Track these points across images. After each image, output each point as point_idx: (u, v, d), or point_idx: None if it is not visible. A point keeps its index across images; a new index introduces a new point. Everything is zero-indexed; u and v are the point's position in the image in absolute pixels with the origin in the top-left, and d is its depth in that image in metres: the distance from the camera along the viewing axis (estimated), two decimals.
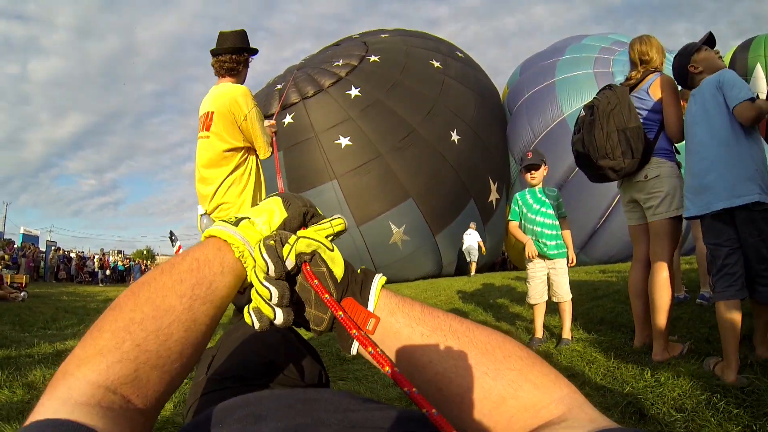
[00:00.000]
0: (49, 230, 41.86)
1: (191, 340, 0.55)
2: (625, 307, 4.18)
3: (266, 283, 0.57)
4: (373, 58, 12.16)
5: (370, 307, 0.60)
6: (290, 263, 0.58)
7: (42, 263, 21.41)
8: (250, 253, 0.60)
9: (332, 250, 0.62)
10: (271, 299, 0.57)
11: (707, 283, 3.94)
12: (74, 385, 0.47)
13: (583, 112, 3.19)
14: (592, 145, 2.99)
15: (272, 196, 0.69)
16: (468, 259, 11.95)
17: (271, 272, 0.57)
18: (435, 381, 0.56)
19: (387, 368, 0.55)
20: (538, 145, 11.34)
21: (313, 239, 0.60)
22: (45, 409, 0.44)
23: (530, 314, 3.86)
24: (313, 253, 0.60)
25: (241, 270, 0.60)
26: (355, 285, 0.61)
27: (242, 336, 1.02)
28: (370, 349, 0.57)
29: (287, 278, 0.60)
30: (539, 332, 3.60)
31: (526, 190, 3.80)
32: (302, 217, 0.67)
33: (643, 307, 3.03)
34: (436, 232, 11.14)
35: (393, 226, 10.71)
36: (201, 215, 3.24)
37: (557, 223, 3.63)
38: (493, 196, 12.18)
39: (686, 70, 2.72)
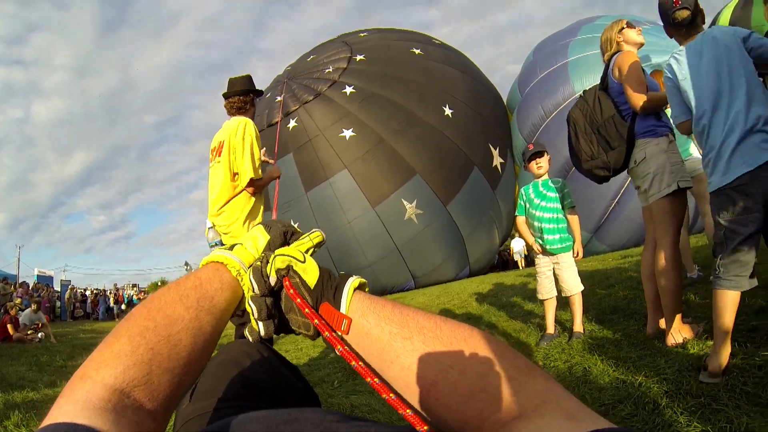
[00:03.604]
0: (63, 269, 42.07)
1: (198, 347, 0.60)
2: (637, 293, 4.08)
3: (250, 302, 0.67)
4: (359, 57, 12.88)
5: (342, 309, 0.64)
6: (273, 279, 0.67)
7: (57, 303, 21.50)
8: (245, 271, 0.69)
9: (303, 262, 0.68)
10: (254, 314, 0.67)
11: None
12: (92, 389, 0.49)
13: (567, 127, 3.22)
14: (577, 153, 3.07)
15: (257, 225, 0.81)
16: (516, 259, 19.77)
17: (256, 291, 0.67)
18: (402, 377, 0.58)
19: (353, 362, 0.60)
20: (549, 124, 11.31)
21: (286, 255, 0.68)
22: (64, 412, 0.46)
23: (543, 310, 3.78)
24: (288, 267, 0.67)
25: (238, 286, 0.68)
26: (329, 290, 0.66)
27: (223, 361, 1.03)
28: (339, 347, 0.62)
29: (276, 294, 0.70)
30: (550, 328, 3.53)
31: (530, 183, 3.75)
32: (283, 237, 0.76)
33: (655, 291, 2.90)
34: (446, 202, 11.55)
35: (405, 203, 11.20)
36: (209, 228, 3.50)
37: (559, 216, 3.55)
38: (497, 161, 12.51)
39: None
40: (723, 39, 2.27)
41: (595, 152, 2.94)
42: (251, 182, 3.36)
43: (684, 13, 2.39)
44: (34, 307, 9.69)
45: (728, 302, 2.13)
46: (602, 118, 2.91)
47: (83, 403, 0.47)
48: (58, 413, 0.46)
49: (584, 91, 3.14)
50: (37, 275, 25.86)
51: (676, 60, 2.45)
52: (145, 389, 0.53)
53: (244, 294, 0.69)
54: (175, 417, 0.96)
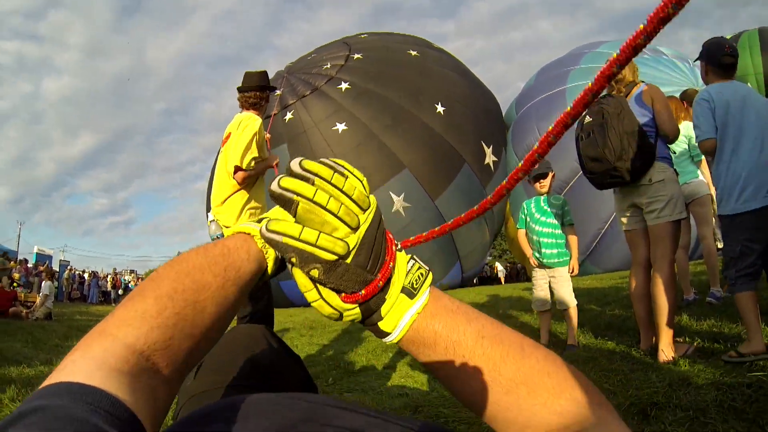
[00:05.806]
0: (62, 249, 42.07)
1: (221, 316, 0.59)
2: (632, 312, 4.13)
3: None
4: (357, 55, 13.18)
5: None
6: None
7: (56, 283, 21.46)
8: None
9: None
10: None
11: (717, 282, 3.92)
12: (110, 347, 0.46)
13: (589, 117, 3.11)
14: (608, 147, 2.93)
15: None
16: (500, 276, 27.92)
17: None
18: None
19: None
20: None
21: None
22: (78, 368, 0.42)
23: (538, 323, 3.83)
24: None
25: (263, 260, 0.65)
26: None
27: (229, 342, 1.06)
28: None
29: None
30: (544, 339, 3.58)
31: (533, 198, 3.82)
32: None
33: (646, 310, 3.04)
34: (434, 197, 11.78)
35: (393, 195, 11.41)
36: (211, 221, 3.49)
37: (558, 232, 3.64)
38: (490, 159, 12.68)
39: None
40: (757, 96, 2.89)
41: (629, 154, 2.89)
42: (236, 169, 3.32)
43: (731, 59, 2.89)
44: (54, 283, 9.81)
45: (751, 300, 2.59)
46: (638, 128, 2.93)
47: (100, 362, 0.43)
48: (72, 368, 0.42)
49: (611, 95, 3.12)
50: (37, 253, 25.85)
51: (717, 90, 2.85)
52: (164, 353, 0.50)
53: (266, 269, 0.66)
54: (179, 392, 0.97)
